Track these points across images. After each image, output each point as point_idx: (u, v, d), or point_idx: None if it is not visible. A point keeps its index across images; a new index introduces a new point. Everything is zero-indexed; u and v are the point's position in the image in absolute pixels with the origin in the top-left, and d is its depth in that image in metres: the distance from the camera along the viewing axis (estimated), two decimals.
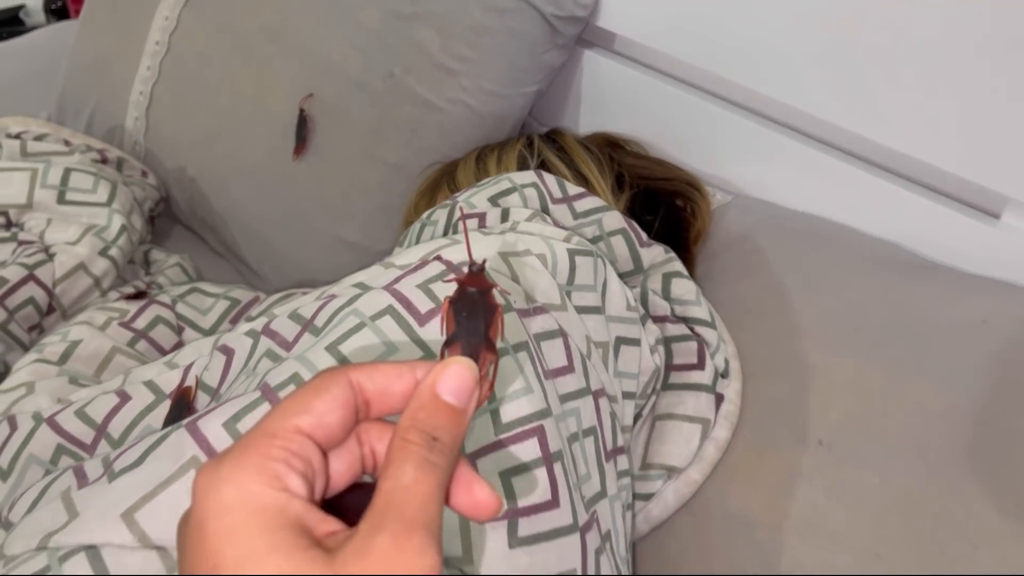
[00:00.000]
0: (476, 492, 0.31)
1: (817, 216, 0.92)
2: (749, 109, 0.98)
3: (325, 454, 0.30)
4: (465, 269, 0.36)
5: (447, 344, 0.34)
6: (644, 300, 0.72)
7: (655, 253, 0.79)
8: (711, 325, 0.73)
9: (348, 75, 1.01)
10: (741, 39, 0.90)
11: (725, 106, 0.99)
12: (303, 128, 1.01)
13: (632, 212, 0.88)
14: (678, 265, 0.79)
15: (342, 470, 0.31)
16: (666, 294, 0.74)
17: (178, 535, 0.28)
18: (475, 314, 0.34)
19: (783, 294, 0.80)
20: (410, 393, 0.31)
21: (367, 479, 0.33)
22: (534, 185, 0.78)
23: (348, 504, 0.31)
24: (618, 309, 0.67)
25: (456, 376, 0.31)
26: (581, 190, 0.79)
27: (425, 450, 0.28)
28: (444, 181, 0.92)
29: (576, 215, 0.78)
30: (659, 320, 0.73)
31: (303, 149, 1.02)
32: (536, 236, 0.65)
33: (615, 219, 0.75)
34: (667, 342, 0.72)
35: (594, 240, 0.75)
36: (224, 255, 1.16)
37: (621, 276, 0.76)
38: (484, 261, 0.45)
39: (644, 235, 0.77)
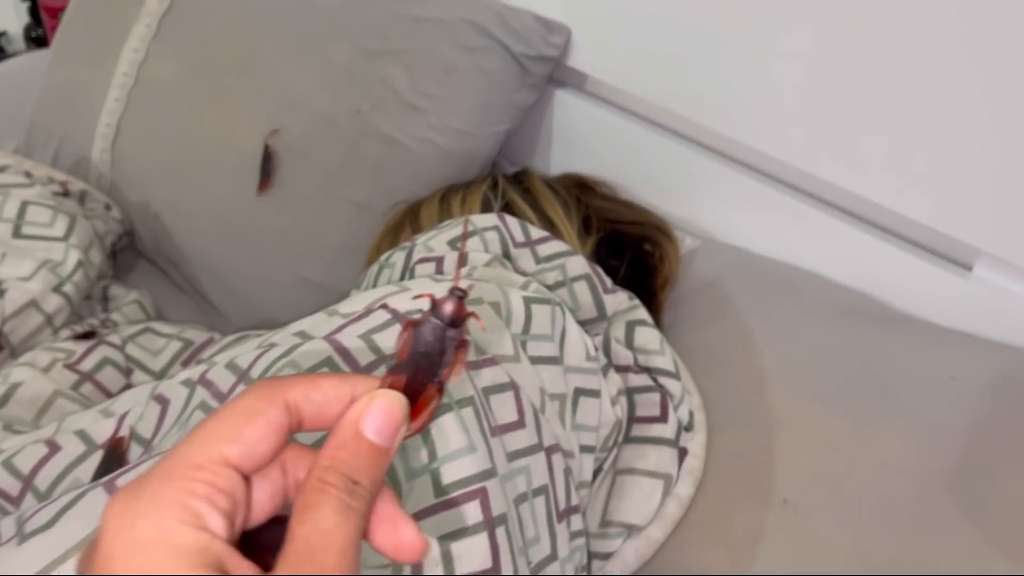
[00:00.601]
0: (402, 532, 0.29)
1: (787, 263, 0.90)
2: (722, 153, 0.97)
3: (248, 482, 0.28)
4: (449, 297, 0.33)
5: (391, 372, 0.31)
6: (607, 349, 0.70)
7: (619, 300, 0.77)
8: (675, 376, 0.71)
9: (315, 111, 0.99)
10: (714, 84, 0.89)
11: (698, 149, 0.97)
12: (268, 163, 0.99)
13: (598, 257, 0.86)
14: (642, 313, 0.77)
15: (263, 501, 0.29)
16: (629, 343, 0.72)
17: (79, 567, 0.26)
18: (436, 348, 0.31)
19: (751, 342, 0.78)
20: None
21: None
22: (496, 228, 0.76)
23: (266, 541, 0.29)
24: (577, 359, 0.64)
25: (382, 413, 0.29)
26: (545, 234, 0.77)
27: (345, 494, 0.26)
28: (407, 221, 0.90)
29: (539, 259, 0.76)
30: (622, 370, 0.71)
31: (267, 185, 1.00)
32: (491, 283, 0.63)
33: (579, 264, 0.73)
34: (629, 393, 0.70)
35: (556, 286, 0.73)
36: (187, 291, 1.13)
37: (583, 323, 0.74)
38: (470, 288, 0.41)
39: (609, 281, 0.75)
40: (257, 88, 1.03)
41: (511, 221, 0.78)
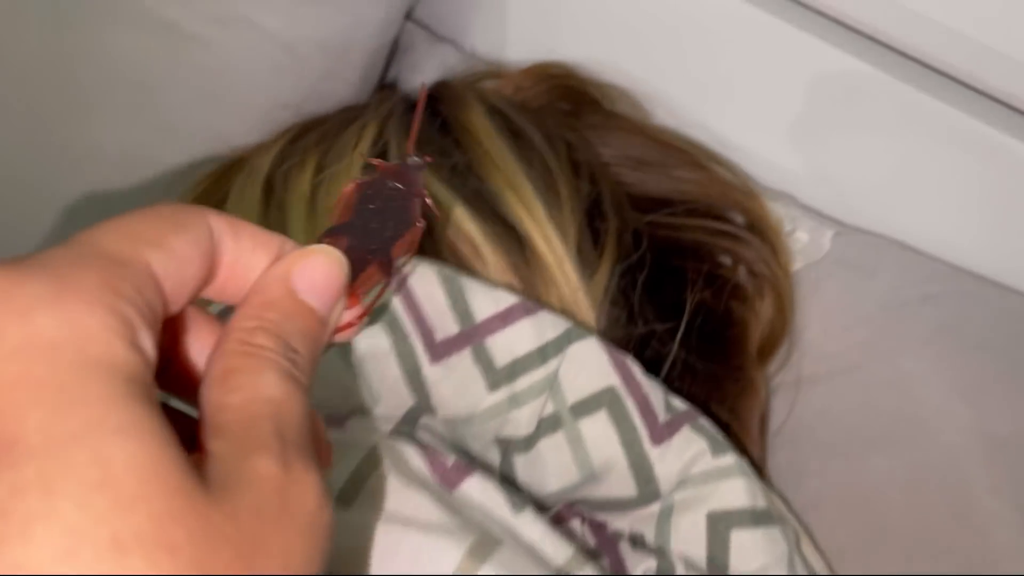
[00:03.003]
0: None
1: None
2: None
3: None
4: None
5: (328, 233, 0.24)
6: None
7: (686, 449, 0.34)
8: None
9: None
10: None
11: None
12: None
13: (626, 308, 0.39)
14: (737, 480, 0.33)
15: None
16: (718, 564, 0.33)
17: None
18: (386, 215, 0.25)
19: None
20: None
21: None
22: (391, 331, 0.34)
23: None
24: None
25: (320, 270, 0.22)
26: (502, 305, 0.34)
27: (285, 360, 0.19)
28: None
29: (496, 378, 0.33)
30: None
31: None
32: None
33: (590, 364, 0.34)
34: None
35: (548, 427, 0.34)
36: None
37: (609, 504, 0.35)
38: (428, 159, 0.27)
39: (660, 400, 0.35)
40: None
41: (420, 289, 0.33)
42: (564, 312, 0.38)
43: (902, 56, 0.45)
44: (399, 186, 0.26)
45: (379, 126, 0.42)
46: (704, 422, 0.36)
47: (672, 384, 0.40)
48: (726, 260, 0.42)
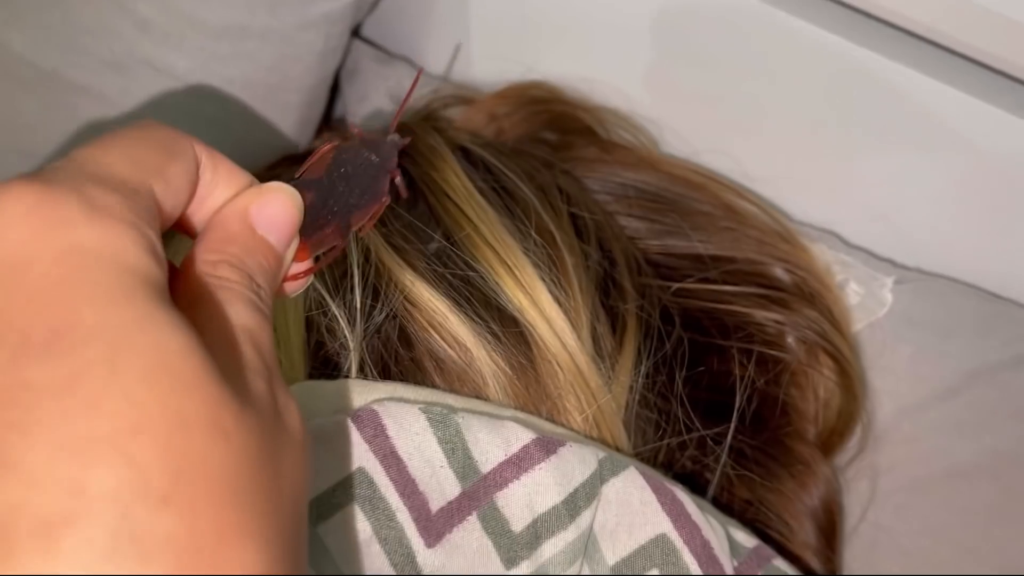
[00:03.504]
0: None
1: None
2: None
3: None
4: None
5: (294, 184, 0.23)
6: None
7: None
8: None
9: None
10: None
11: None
12: None
13: (654, 390, 0.31)
14: None
15: None
16: None
17: None
18: (354, 181, 0.25)
19: None
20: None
21: None
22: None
23: None
24: None
25: (277, 207, 0.22)
26: (514, 446, 0.26)
27: (251, 292, 0.20)
28: None
29: (514, 549, 0.25)
30: None
31: None
32: None
33: (631, 506, 0.27)
34: None
35: None
36: None
37: None
38: (407, 140, 0.27)
39: (720, 544, 0.27)
40: None
41: (404, 441, 0.25)
42: (584, 425, 0.30)
43: (957, 55, 0.37)
44: (374, 158, 0.26)
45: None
46: (779, 562, 0.28)
47: (718, 492, 0.33)
48: (770, 328, 0.34)
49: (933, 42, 0.36)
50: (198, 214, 0.21)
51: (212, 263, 0.20)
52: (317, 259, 0.24)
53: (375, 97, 0.45)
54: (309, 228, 0.23)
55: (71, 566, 0.13)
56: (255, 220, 0.21)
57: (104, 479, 0.14)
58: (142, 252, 0.17)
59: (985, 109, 0.35)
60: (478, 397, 0.29)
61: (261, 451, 0.16)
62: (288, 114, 0.40)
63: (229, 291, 0.19)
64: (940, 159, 0.37)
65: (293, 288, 0.23)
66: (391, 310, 0.29)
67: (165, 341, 0.16)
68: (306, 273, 0.23)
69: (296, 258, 0.23)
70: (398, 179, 0.26)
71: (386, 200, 0.26)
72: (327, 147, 0.25)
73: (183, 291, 0.19)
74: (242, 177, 0.22)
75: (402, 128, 0.28)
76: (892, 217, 0.38)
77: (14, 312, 0.16)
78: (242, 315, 0.19)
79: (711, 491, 0.32)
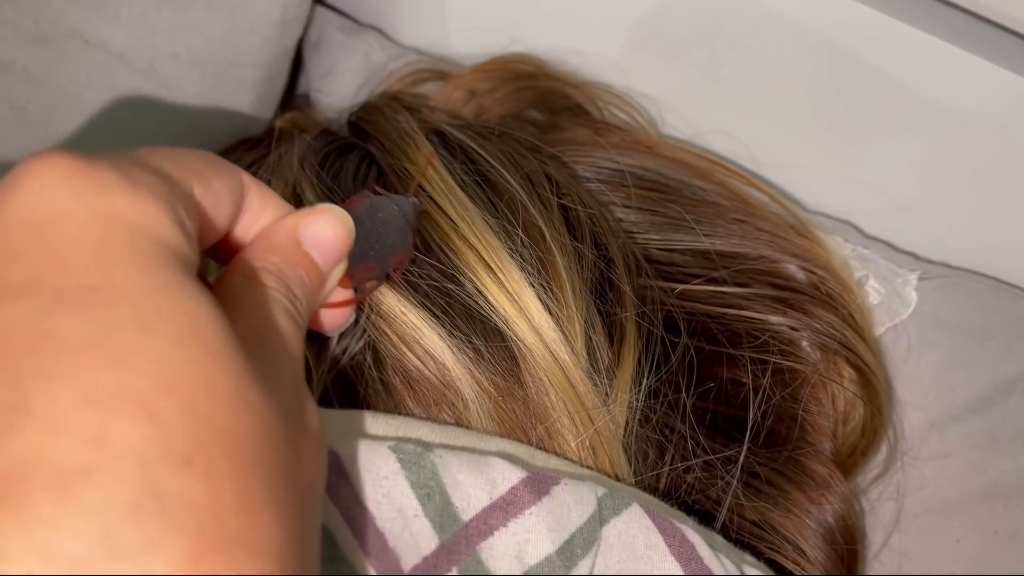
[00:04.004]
0: None
1: None
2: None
3: None
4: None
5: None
6: None
7: None
8: None
9: None
10: None
11: None
12: None
13: (655, 408, 0.28)
14: None
15: None
16: None
17: None
18: (388, 226, 0.26)
19: None
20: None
21: None
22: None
23: None
24: None
25: (327, 226, 0.22)
26: (500, 488, 0.23)
27: (287, 300, 0.20)
28: None
29: None
30: None
31: None
32: None
33: (635, 548, 0.24)
34: None
35: None
36: None
37: None
38: (421, 209, 0.28)
39: None
40: None
41: (371, 489, 0.22)
42: (579, 450, 0.26)
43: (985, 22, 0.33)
44: (404, 215, 0.27)
45: (287, 183, 0.29)
46: None
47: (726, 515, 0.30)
48: (785, 334, 0.31)
49: (965, 9, 0.32)
50: (245, 237, 0.22)
51: (253, 268, 0.20)
52: (356, 291, 0.24)
53: (341, 72, 0.41)
54: (353, 260, 0.24)
55: (87, 518, 0.13)
56: (302, 235, 0.22)
57: (128, 433, 0.14)
58: (176, 229, 0.17)
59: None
60: (458, 424, 0.26)
61: (283, 434, 0.16)
62: (244, 92, 0.36)
63: (265, 295, 0.20)
64: (970, 140, 0.33)
65: (332, 320, 0.23)
66: (359, 324, 0.25)
67: (195, 310, 0.16)
68: (346, 303, 0.24)
69: (339, 283, 0.23)
70: (418, 240, 0.27)
71: (411, 253, 0.26)
72: (362, 194, 0.26)
73: (221, 291, 0.19)
74: (291, 209, 0.22)
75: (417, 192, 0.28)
76: (915, 206, 0.35)
77: (47, 266, 0.16)
78: (275, 317, 0.19)
79: (720, 519, 0.28)
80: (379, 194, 0.26)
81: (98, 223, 0.16)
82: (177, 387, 0.14)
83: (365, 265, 0.24)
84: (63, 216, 0.16)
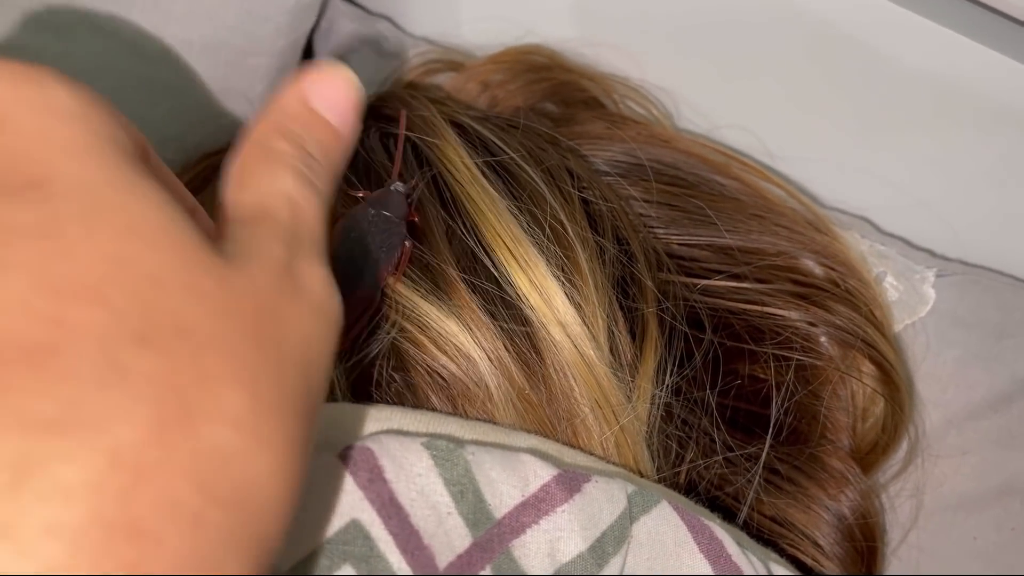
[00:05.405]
0: None
1: None
2: None
3: None
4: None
5: None
6: None
7: None
8: None
9: None
10: None
11: None
12: None
13: (679, 401, 0.28)
14: None
15: None
16: None
17: None
18: (368, 241, 0.25)
19: None
20: None
21: None
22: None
23: None
24: None
25: (335, 85, 0.21)
26: (532, 486, 0.22)
27: (302, 164, 0.20)
28: None
29: None
30: None
31: None
32: None
33: (664, 546, 0.23)
34: None
35: None
36: None
37: None
38: (416, 188, 0.27)
39: None
40: None
41: (404, 486, 0.21)
42: (603, 448, 0.26)
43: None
44: (385, 213, 0.26)
45: None
46: None
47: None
48: (805, 331, 0.31)
49: (984, 4, 0.32)
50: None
51: (266, 135, 0.20)
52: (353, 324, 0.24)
53: (353, 61, 0.41)
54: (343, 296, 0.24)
55: (56, 386, 0.13)
56: (313, 100, 0.21)
57: (83, 315, 0.14)
58: (117, 125, 0.17)
59: None
60: (485, 418, 0.26)
61: (256, 310, 0.16)
62: (256, 81, 0.35)
63: (277, 162, 0.20)
64: (988, 136, 0.33)
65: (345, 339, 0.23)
66: (381, 327, 0.25)
67: (139, 202, 0.16)
68: (345, 346, 0.24)
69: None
70: (416, 219, 0.27)
71: (408, 245, 0.26)
72: (336, 225, 0.25)
73: (234, 164, 0.19)
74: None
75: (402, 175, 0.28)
76: (932, 202, 0.35)
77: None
78: (284, 182, 0.19)
79: (742, 515, 0.28)
80: (361, 208, 0.26)
81: (38, 117, 0.16)
82: (122, 278, 0.15)
83: (352, 298, 0.24)
84: (5, 115, 0.16)
